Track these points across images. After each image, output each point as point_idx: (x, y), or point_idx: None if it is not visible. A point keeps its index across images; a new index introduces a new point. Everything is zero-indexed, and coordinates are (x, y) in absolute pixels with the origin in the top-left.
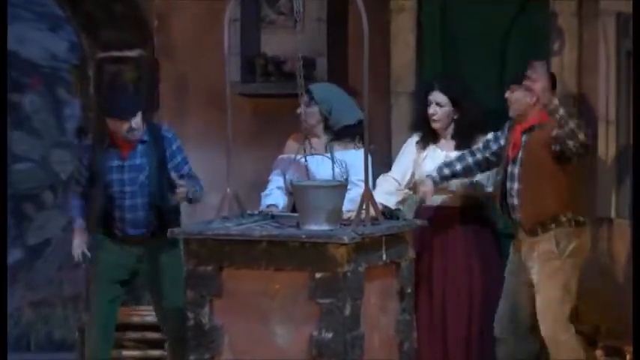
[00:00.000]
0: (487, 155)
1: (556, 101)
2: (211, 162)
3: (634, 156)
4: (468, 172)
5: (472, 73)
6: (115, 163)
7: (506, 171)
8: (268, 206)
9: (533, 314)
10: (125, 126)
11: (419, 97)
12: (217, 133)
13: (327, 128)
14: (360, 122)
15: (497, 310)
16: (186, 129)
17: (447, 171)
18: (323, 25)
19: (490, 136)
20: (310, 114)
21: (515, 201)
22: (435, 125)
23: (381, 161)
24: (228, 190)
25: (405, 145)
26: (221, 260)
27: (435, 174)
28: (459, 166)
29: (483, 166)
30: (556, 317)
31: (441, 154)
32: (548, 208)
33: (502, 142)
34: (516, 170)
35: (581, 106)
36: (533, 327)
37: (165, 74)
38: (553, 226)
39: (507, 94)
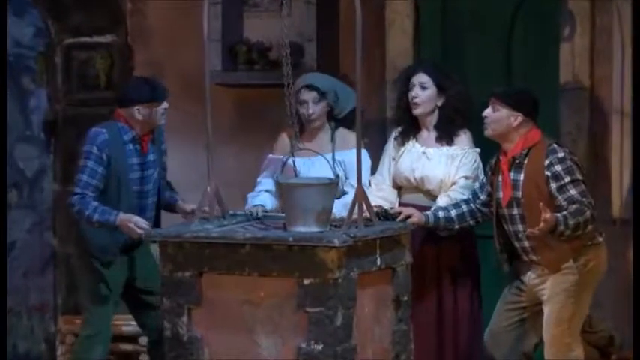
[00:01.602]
0: (478, 206)
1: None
2: (189, 158)
3: (634, 154)
4: (461, 220)
5: (475, 61)
6: (135, 160)
7: (499, 214)
8: (254, 207)
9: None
10: (162, 107)
11: (400, 82)
12: (196, 126)
13: (330, 118)
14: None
15: (490, 331)
16: None
17: (441, 214)
18: (312, 8)
19: (476, 185)
20: (319, 110)
21: (527, 243)
22: (417, 111)
23: (378, 156)
24: (208, 188)
25: (387, 144)
26: (200, 265)
27: (430, 214)
28: (453, 212)
29: (477, 216)
30: (563, 332)
31: (418, 150)
32: (571, 240)
33: (489, 188)
34: (515, 212)
35: (593, 97)
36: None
37: (139, 62)
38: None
39: (487, 112)
